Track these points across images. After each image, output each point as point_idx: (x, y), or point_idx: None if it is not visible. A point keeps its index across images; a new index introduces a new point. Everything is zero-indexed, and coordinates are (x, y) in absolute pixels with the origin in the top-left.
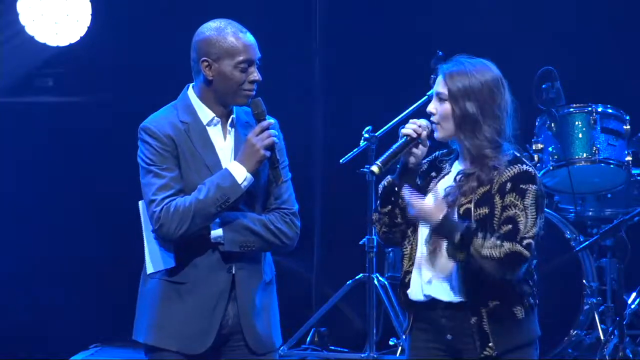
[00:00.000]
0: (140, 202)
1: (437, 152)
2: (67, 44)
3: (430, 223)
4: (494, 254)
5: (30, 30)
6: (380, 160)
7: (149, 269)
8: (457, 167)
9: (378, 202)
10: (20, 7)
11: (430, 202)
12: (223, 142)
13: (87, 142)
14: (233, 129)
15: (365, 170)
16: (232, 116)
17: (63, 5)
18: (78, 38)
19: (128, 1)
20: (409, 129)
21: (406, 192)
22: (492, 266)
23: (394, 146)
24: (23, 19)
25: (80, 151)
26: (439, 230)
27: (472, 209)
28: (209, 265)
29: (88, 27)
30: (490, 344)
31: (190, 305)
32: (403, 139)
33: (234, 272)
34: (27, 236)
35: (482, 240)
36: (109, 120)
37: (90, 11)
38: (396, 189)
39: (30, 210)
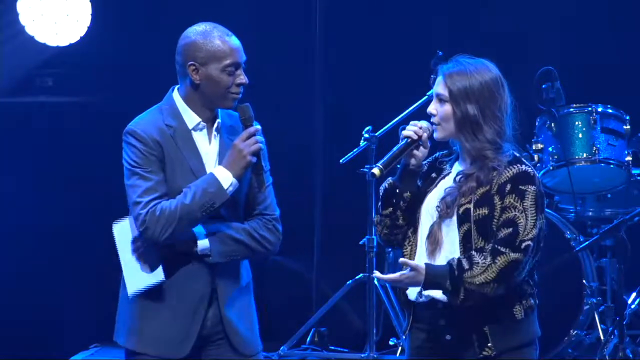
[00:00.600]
0: (114, 226)
1: (437, 153)
2: (67, 44)
3: (418, 285)
4: (488, 277)
5: (30, 30)
6: (381, 162)
7: (131, 288)
8: (457, 167)
9: (379, 204)
10: (20, 7)
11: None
12: (208, 147)
13: (87, 142)
14: (218, 134)
15: (365, 170)
16: (217, 121)
17: (63, 5)
18: (78, 38)
19: (128, 1)
20: (410, 131)
21: (379, 276)
22: (493, 287)
23: (395, 148)
24: (23, 19)
25: (80, 151)
26: (429, 287)
27: (472, 209)
28: (190, 270)
29: (88, 27)
30: (489, 344)
31: (170, 310)
32: (404, 141)
33: (214, 277)
34: (26, 236)
35: (470, 268)
36: (109, 121)
37: (90, 11)
38: (397, 190)
39: (29, 210)
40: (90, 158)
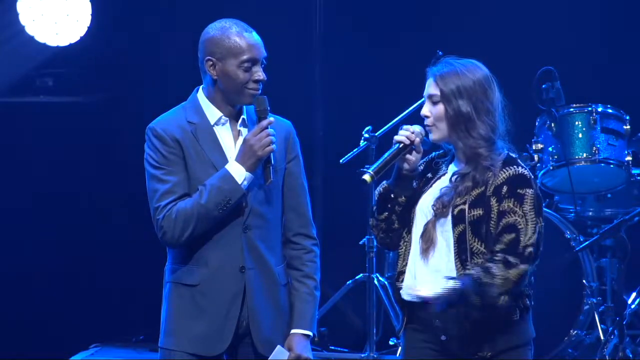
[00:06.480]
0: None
1: (433, 154)
2: (67, 44)
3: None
4: (504, 289)
5: (30, 30)
6: (372, 168)
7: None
8: (452, 168)
9: (374, 208)
10: (20, 7)
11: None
12: (232, 141)
13: (87, 142)
14: (245, 129)
15: (364, 170)
16: (242, 116)
17: (63, 5)
18: (78, 38)
19: (128, 1)
20: (402, 136)
21: (421, 294)
22: (506, 299)
23: (387, 154)
24: (23, 19)
25: (80, 151)
26: (455, 303)
27: (466, 210)
28: (220, 265)
29: (88, 27)
30: (483, 345)
31: (203, 308)
32: (396, 146)
33: (245, 276)
34: (26, 236)
35: (492, 281)
36: (109, 121)
37: (90, 11)
38: (392, 195)
39: (29, 210)
40: (90, 158)
